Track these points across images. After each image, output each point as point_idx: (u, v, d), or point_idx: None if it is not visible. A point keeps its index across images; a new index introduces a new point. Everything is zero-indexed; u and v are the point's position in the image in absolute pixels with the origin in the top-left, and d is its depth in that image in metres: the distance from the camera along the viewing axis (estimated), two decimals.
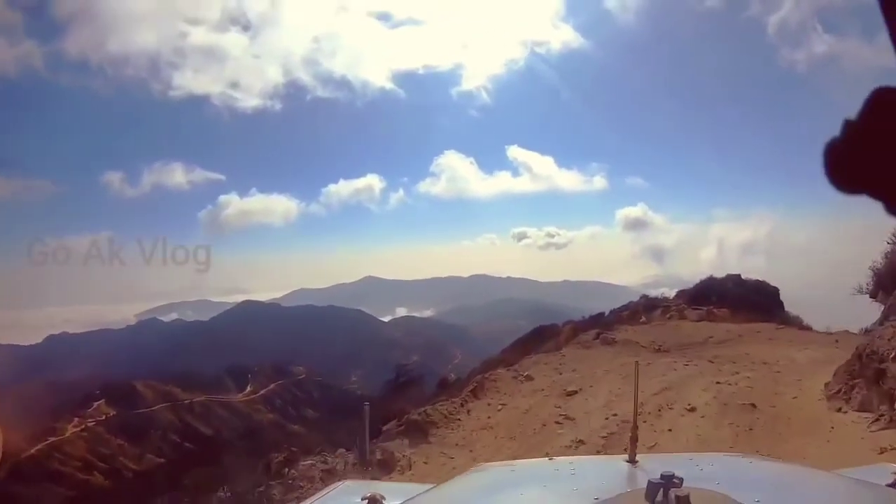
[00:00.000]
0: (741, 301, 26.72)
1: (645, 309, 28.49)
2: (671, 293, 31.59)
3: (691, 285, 30.97)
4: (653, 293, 32.30)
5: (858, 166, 0.68)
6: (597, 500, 2.10)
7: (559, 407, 15.05)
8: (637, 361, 7.87)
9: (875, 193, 0.67)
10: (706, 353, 19.04)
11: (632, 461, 2.66)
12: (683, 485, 1.99)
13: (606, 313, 30.71)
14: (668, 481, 2.00)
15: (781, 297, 29.22)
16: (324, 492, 3.33)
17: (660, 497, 1.99)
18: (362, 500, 2.79)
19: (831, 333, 20.77)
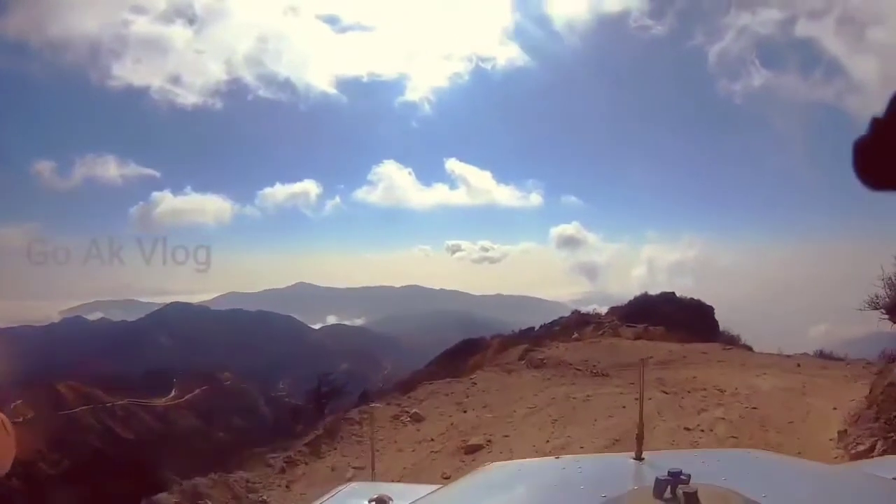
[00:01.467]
0: (676, 320, 24.74)
1: (577, 325, 26.09)
2: (603, 310, 29.56)
3: (623, 302, 29.31)
4: (584, 309, 30.57)
5: (887, 164, 0.66)
6: (604, 498, 2.00)
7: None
8: (642, 360, 6.85)
9: None
10: (648, 376, 15.91)
11: (638, 458, 2.48)
12: (691, 481, 1.89)
13: (537, 328, 28.81)
14: (676, 478, 1.89)
15: (717, 317, 27.50)
16: (331, 493, 3.05)
17: (668, 494, 1.88)
18: (369, 502, 2.53)
19: (789, 356, 17.83)
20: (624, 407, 13.22)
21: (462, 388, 16.44)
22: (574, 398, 14.28)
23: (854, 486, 2.47)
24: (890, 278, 11.90)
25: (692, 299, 28.73)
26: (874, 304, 12.06)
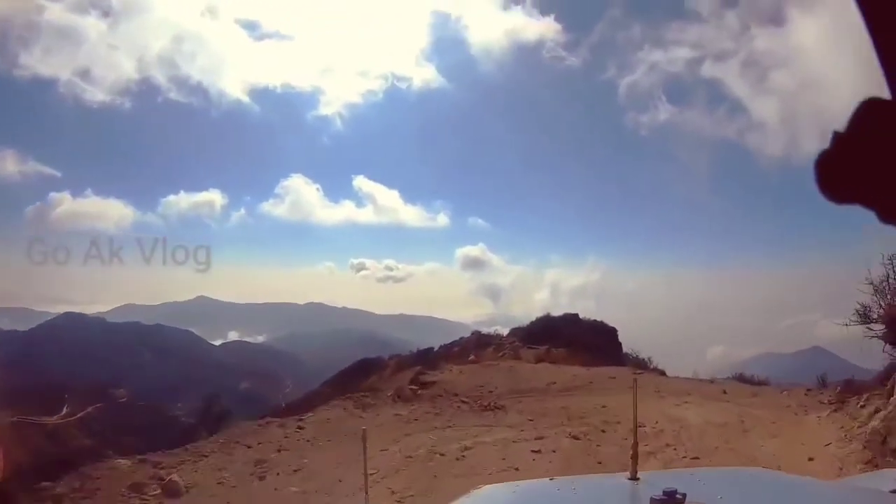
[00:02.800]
0: (579, 341, 23.05)
1: (477, 346, 24.28)
2: (505, 331, 27.46)
3: (526, 323, 27.29)
4: (486, 330, 28.42)
5: (849, 177, 0.65)
6: None
7: None
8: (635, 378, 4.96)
9: (866, 203, 0.64)
10: (551, 405, 13.10)
11: (633, 478, 2.46)
12: (686, 500, 1.90)
13: (436, 348, 26.32)
14: (671, 497, 1.90)
15: (620, 339, 25.75)
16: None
17: None
18: None
19: (710, 381, 15.04)
20: (517, 469, 9.32)
21: (281, 433, 12.40)
22: (442, 454, 10.51)
23: (849, 500, 2.43)
24: (881, 285, 9.33)
25: (595, 321, 26.92)
26: (863, 316, 9.37)
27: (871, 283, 10.42)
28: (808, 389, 13.36)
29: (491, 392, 16.38)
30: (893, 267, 10.56)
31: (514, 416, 12.77)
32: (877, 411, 7.91)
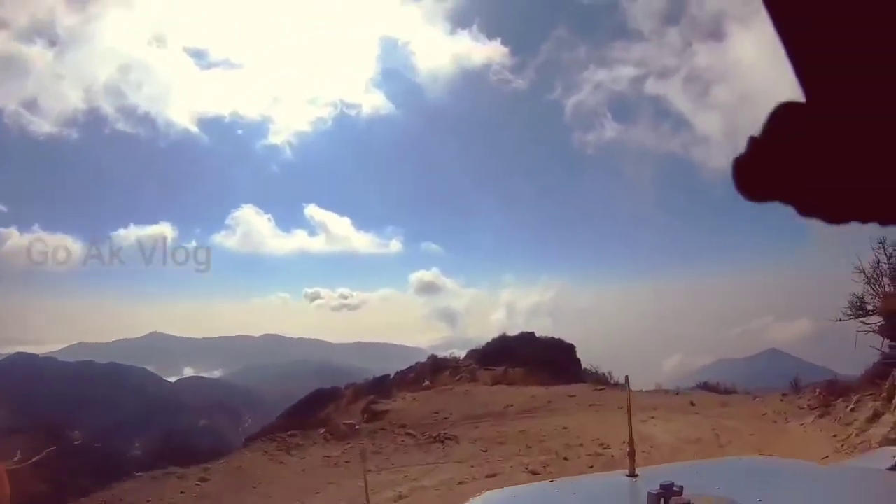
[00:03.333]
0: (536, 359, 22.16)
1: (433, 370, 23.16)
2: (461, 354, 26.35)
3: (482, 345, 26.24)
4: (442, 354, 27.12)
5: (765, 177, 0.66)
6: None
7: None
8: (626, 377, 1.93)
9: (784, 199, 0.65)
10: (509, 430, 11.84)
11: (632, 475, 2.42)
12: (684, 492, 1.86)
13: (392, 375, 25.13)
14: (668, 490, 1.86)
15: (578, 355, 24.74)
16: None
17: None
18: None
19: (675, 393, 13.92)
20: None
21: (177, 487, 10.57)
22: None
23: (848, 481, 2.41)
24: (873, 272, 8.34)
25: (552, 338, 26.11)
26: (857, 308, 8.33)
27: (863, 272, 9.44)
28: (784, 394, 12.30)
29: (446, 419, 15.34)
30: (885, 250, 9.62)
31: (465, 447, 11.38)
32: (876, 416, 6.82)
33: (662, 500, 1.82)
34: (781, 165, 0.64)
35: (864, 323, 9.02)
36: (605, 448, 10.12)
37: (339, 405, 20.11)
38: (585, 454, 10.42)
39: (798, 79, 0.61)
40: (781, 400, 11.71)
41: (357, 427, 12.42)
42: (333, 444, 11.79)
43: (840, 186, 0.64)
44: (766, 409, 11.43)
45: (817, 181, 0.64)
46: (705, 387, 15.42)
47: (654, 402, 13.41)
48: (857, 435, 7.08)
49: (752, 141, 0.64)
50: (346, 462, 10.87)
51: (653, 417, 11.56)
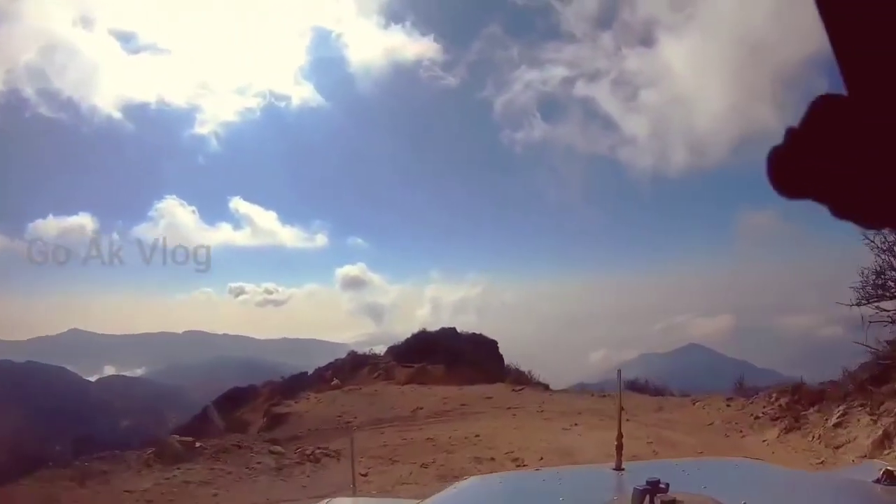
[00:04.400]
0: (457, 356, 20.85)
1: (352, 367, 21.81)
2: (382, 350, 24.35)
3: (401, 341, 24.48)
4: (362, 350, 24.53)
5: (802, 172, 0.63)
6: None
7: None
8: (619, 371, 3.45)
9: (819, 198, 0.62)
10: (415, 437, 9.68)
11: (618, 469, 2.40)
12: (670, 490, 1.78)
13: (310, 372, 23.30)
14: (654, 487, 1.77)
15: (500, 351, 23.35)
16: None
17: (646, 503, 1.78)
18: None
19: (603, 395, 12.09)
20: None
21: None
22: None
23: (833, 490, 2.38)
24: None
25: (475, 334, 24.62)
26: (878, 288, 6.48)
27: (877, 247, 7.64)
28: (729, 399, 10.47)
29: (349, 423, 13.50)
30: None
31: (344, 468, 8.87)
32: (887, 437, 4.99)
33: (648, 497, 1.71)
34: (818, 161, 0.59)
35: (882, 309, 7.23)
36: (519, 465, 8.13)
37: (254, 405, 18.75)
38: (499, 469, 8.37)
39: (840, 70, 0.55)
40: (728, 405, 10.00)
41: (198, 445, 9.59)
42: (156, 470, 8.95)
43: (879, 189, 0.58)
44: (711, 416, 9.68)
45: (854, 181, 0.58)
46: (634, 386, 13.62)
47: (579, 405, 11.57)
48: (856, 462, 5.25)
49: (790, 132, 0.60)
50: (148, 502, 8.04)
51: (577, 424, 9.69)
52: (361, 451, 10.61)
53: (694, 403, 10.94)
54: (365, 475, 8.25)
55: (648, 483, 1.75)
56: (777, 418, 7.73)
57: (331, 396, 16.55)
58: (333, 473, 8.82)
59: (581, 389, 14.25)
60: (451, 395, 14.49)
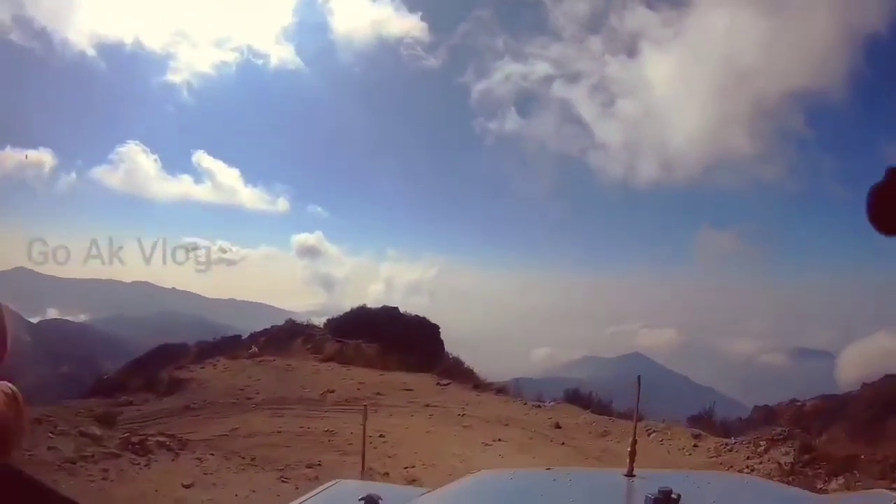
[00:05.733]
0: (396, 337, 19.36)
1: (288, 335, 20.33)
2: (321, 321, 22.95)
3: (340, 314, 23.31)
4: (301, 320, 23.36)
5: None
6: None
7: None
8: (638, 377, 2.67)
9: None
10: (315, 425, 7.76)
11: (629, 475, 2.15)
12: (680, 502, 1.66)
13: (244, 336, 22.04)
14: (666, 498, 1.66)
15: (442, 337, 22.13)
16: (316, 490, 2.52)
17: None
18: (359, 501, 2.03)
19: (539, 405, 9.97)
20: None
21: None
22: None
23: None
24: None
25: (416, 316, 23.58)
26: None
27: None
28: (696, 437, 8.19)
29: (248, 399, 11.92)
30: None
31: (181, 465, 6.50)
32: None
33: None
34: None
35: None
36: (416, 484, 5.96)
37: (182, 364, 17.04)
38: (392, 479, 6.25)
39: None
40: (695, 445, 7.80)
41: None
42: None
43: None
44: (675, 457, 7.40)
45: None
46: (575, 398, 11.33)
47: (508, 413, 9.44)
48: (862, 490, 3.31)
49: (891, 172, 0.59)
50: None
51: (500, 440, 7.60)
52: (234, 439, 8.43)
53: (649, 434, 8.49)
54: (189, 487, 5.91)
55: (660, 492, 1.63)
56: (773, 478, 5.49)
57: (241, 366, 14.52)
58: (150, 474, 6.39)
59: (516, 392, 12.08)
60: (369, 380, 12.41)
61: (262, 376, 13.42)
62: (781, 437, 7.19)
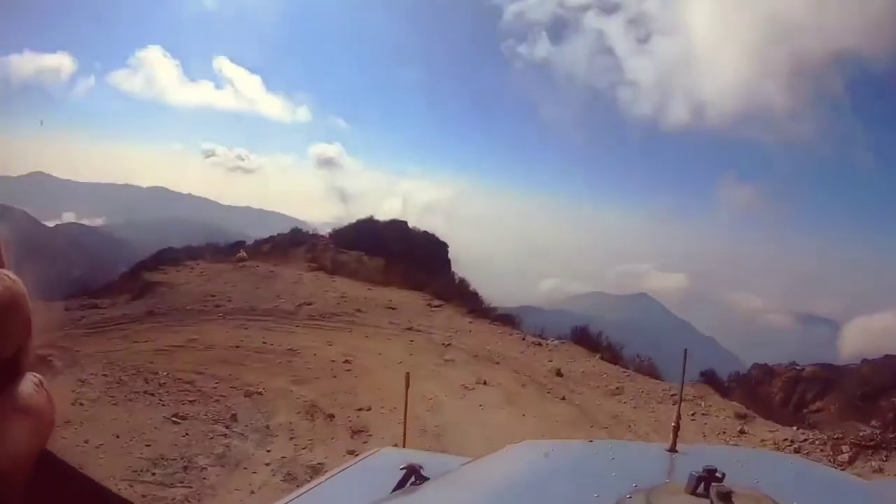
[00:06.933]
0: (402, 252, 18.31)
1: (290, 243, 19.47)
2: (326, 231, 21.79)
3: (344, 224, 22.04)
4: (322, 231, 22.22)
5: None
6: (636, 487, 1.56)
7: None
8: (685, 351, 2.00)
9: None
10: (274, 341, 5.43)
11: (672, 450, 1.90)
12: (725, 481, 1.44)
13: (248, 242, 20.68)
14: (711, 475, 1.45)
15: (451, 257, 21.35)
16: (359, 458, 2.39)
17: (700, 490, 1.46)
18: (401, 469, 1.84)
19: (539, 342, 8.13)
20: None
21: None
22: None
23: (888, 499, 2.03)
24: None
25: (425, 232, 22.44)
26: None
27: None
28: (742, 416, 6.18)
29: (217, 306, 10.72)
30: None
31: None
32: None
33: (703, 484, 1.43)
34: None
35: None
36: (361, 425, 4.33)
37: (180, 267, 15.74)
38: (336, 424, 4.58)
39: None
40: (742, 431, 5.78)
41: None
42: None
43: None
44: (707, 437, 5.62)
45: None
46: (582, 337, 9.25)
47: (501, 350, 7.62)
48: None
49: None
50: None
51: (484, 383, 5.87)
52: (181, 353, 6.87)
53: (672, 397, 6.53)
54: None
55: (706, 470, 1.44)
56: None
57: (219, 270, 12.92)
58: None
59: (517, 321, 10.22)
60: (353, 294, 10.78)
61: (240, 283, 11.92)
62: (872, 442, 5.30)
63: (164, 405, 5.40)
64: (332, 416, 5.29)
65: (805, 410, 18.70)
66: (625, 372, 7.61)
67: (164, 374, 6.74)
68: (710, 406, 6.14)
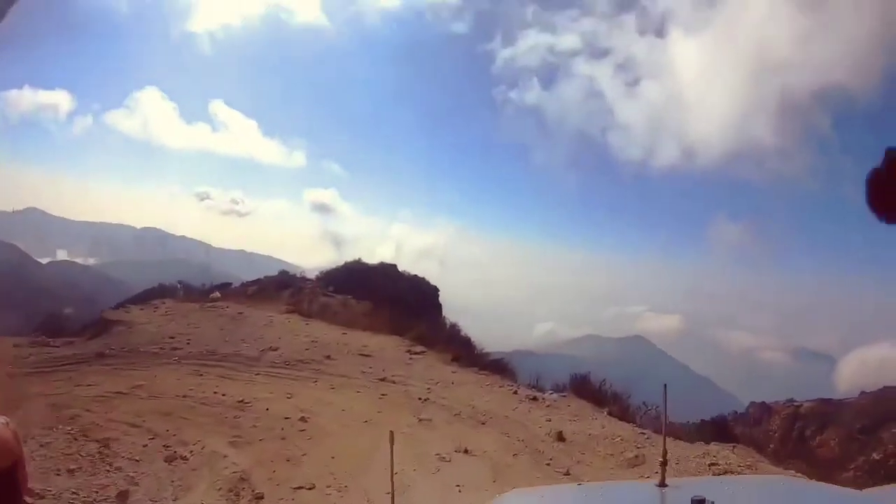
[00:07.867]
0: (391, 296, 17.58)
1: (277, 286, 18.82)
2: (314, 274, 21.48)
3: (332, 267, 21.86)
4: (299, 273, 22.02)
5: None
6: None
7: None
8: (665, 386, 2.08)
9: None
10: (235, 394, 5.64)
11: (662, 485, 1.98)
12: None
13: (234, 284, 19.99)
14: None
15: (444, 302, 21.18)
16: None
17: None
18: None
19: (535, 396, 6.84)
20: None
21: None
22: None
23: None
24: None
25: (415, 276, 22.30)
26: None
27: None
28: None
29: (175, 349, 9.91)
30: None
31: None
32: None
33: None
34: None
35: None
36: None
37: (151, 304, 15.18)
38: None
39: None
40: None
41: None
42: None
43: None
44: None
45: None
46: (583, 386, 7.77)
47: (488, 406, 6.27)
48: None
49: (889, 155, 0.55)
50: None
51: (465, 452, 4.60)
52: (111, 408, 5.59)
53: (711, 467, 5.16)
54: None
55: (694, 501, 1.55)
56: None
57: (185, 310, 11.60)
58: None
59: (511, 368, 8.89)
60: (325, 338, 9.56)
61: (203, 324, 10.61)
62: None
63: (41, 471, 4.10)
64: (260, 497, 3.99)
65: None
66: (642, 433, 6.09)
67: (77, 429, 5.47)
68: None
